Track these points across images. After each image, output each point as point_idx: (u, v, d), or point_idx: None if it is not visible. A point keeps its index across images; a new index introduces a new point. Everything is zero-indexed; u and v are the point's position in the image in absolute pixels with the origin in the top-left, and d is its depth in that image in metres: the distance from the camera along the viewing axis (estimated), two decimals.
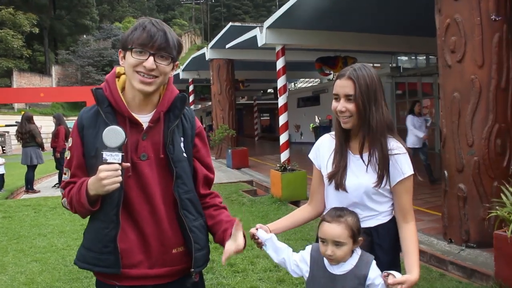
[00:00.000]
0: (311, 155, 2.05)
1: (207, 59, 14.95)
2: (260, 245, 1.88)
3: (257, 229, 1.88)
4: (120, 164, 1.50)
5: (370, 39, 10.43)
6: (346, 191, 1.85)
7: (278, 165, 8.75)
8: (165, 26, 1.60)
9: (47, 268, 4.80)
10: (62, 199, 1.69)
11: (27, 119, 10.03)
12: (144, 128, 1.63)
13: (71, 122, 31.50)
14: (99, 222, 1.63)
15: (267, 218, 6.65)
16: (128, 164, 1.56)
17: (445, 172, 4.90)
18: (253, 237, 1.87)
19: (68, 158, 1.69)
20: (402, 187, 1.87)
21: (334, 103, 1.85)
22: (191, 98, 20.02)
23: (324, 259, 1.79)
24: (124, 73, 1.69)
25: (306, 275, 1.84)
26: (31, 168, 10.12)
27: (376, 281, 1.73)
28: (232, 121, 15.03)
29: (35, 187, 10.56)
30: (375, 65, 19.58)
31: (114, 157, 1.49)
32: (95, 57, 43.99)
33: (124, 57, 1.61)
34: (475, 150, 4.57)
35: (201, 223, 1.76)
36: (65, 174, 1.70)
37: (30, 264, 4.95)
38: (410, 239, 1.84)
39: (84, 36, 47.66)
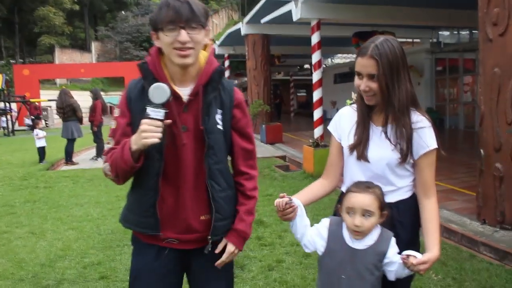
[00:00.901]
0: (330, 127, 2.01)
1: (242, 34, 14.87)
2: (291, 215, 1.77)
3: (282, 197, 1.76)
4: (162, 120, 1.55)
5: (409, 13, 10.06)
6: (368, 162, 1.83)
7: (311, 140, 8.70)
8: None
9: (82, 236, 5.00)
10: (104, 163, 1.71)
11: (66, 94, 10.34)
12: (185, 101, 1.68)
13: (110, 97, 32.32)
14: (140, 189, 1.74)
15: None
16: (170, 121, 1.60)
17: (481, 150, 4.73)
18: (284, 206, 1.73)
19: (113, 127, 1.74)
20: (425, 161, 1.82)
21: (357, 81, 1.81)
22: (227, 73, 20.05)
23: (344, 233, 1.76)
24: None
25: (321, 249, 1.80)
26: (71, 141, 10.48)
27: (394, 259, 1.71)
28: (267, 96, 14.97)
29: (74, 159, 10.94)
30: (415, 40, 18.93)
31: (157, 113, 1.54)
32: (133, 33, 44.61)
33: (157, 37, 1.64)
34: None
35: (228, 195, 1.80)
36: (108, 143, 1.74)
37: (67, 232, 5.17)
38: (431, 215, 1.80)
39: (123, 12, 48.28)
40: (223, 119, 1.75)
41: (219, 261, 1.78)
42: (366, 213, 1.70)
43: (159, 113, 1.54)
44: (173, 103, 1.64)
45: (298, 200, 1.81)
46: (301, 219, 1.81)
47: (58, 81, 38.45)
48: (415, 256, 1.65)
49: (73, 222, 5.56)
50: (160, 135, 1.54)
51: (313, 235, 1.83)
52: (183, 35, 1.57)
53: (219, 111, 1.74)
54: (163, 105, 1.55)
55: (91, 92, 11.13)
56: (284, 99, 29.10)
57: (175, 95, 1.65)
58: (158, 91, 1.54)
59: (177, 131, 1.67)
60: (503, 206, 4.52)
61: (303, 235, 1.83)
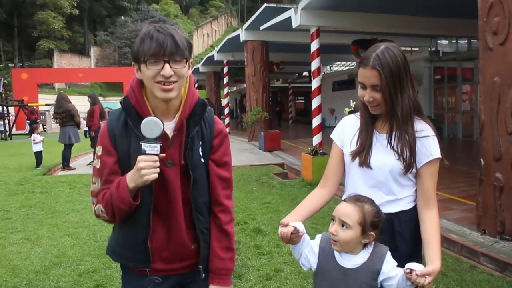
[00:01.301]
0: (333, 135, 1.99)
1: (241, 40, 14.89)
2: (295, 240, 1.75)
3: (286, 225, 1.74)
4: (157, 155, 1.52)
5: (408, 22, 10.09)
6: (371, 168, 1.80)
7: (309, 148, 8.68)
8: (171, 29, 1.57)
9: (78, 242, 4.94)
10: (95, 206, 1.65)
11: (64, 99, 10.29)
12: (170, 136, 1.66)
13: (108, 102, 32.31)
14: (131, 225, 1.69)
15: (296, 201, 6.60)
16: (164, 154, 1.57)
17: (481, 160, 4.71)
18: (290, 236, 1.72)
19: (98, 166, 1.66)
20: (428, 170, 1.79)
21: (361, 91, 1.80)
22: (226, 79, 20.08)
23: (335, 252, 1.71)
24: None
25: (314, 267, 1.76)
26: (68, 146, 10.42)
27: (391, 274, 1.64)
28: (265, 103, 14.96)
29: (71, 164, 10.88)
30: (414, 48, 19.00)
31: (152, 148, 1.51)
32: (132, 38, 44.63)
33: (139, 69, 1.59)
34: None
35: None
36: (94, 183, 1.67)
37: (62, 238, 5.10)
38: (432, 227, 1.76)
39: (122, 17, 48.42)
40: (204, 151, 1.73)
41: None
42: (343, 224, 1.64)
43: (155, 148, 1.51)
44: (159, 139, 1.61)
45: (301, 224, 1.76)
46: (304, 242, 1.78)
47: (56, 85, 38.44)
48: (415, 270, 1.59)
49: (69, 228, 5.50)
50: (158, 170, 1.53)
51: (307, 253, 1.77)
52: (167, 69, 1.53)
53: (200, 143, 1.72)
54: (157, 139, 1.52)
55: (89, 97, 11.04)
56: (284, 107, 29.08)
57: None
58: (151, 125, 1.51)
59: (163, 167, 1.64)
60: (503, 216, 4.49)
61: (300, 255, 1.79)
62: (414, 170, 1.79)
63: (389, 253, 1.68)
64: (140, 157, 1.51)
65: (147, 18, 47.67)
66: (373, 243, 1.70)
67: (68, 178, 9.16)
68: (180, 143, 1.66)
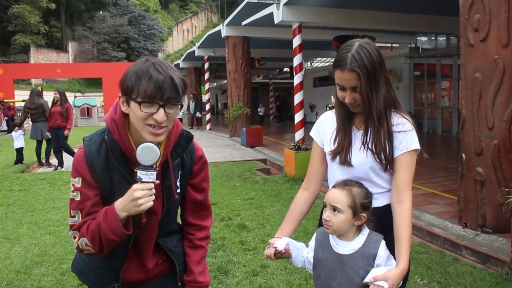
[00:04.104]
0: (312, 133, 1.98)
1: (223, 36, 14.81)
2: (286, 255, 1.78)
3: (269, 246, 1.77)
4: (153, 182, 1.47)
5: (389, 18, 10.19)
6: (352, 166, 1.80)
7: (292, 144, 8.69)
8: (170, 69, 1.47)
9: (60, 241, 4.85)
10: (78, 240, 1.54)
11: (37, 95, 10.03)
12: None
13: (87, 98, 31.72)
14: (107, 255, 1.60)
15: (279, 196, 6.62)
16: (158, 181, 1.51)
17: (463, 155, 4.78)
18: (273, 256, 1.75)
19: (78, 199, 1.54)
20: (399, 161, 1.76)
21: (341, 93, 1.77)
22: (206, 75, 19.96)
23: (330, 240, 1.73)
24: None
25: (311, 261, 1.79)
26: (40, 142, 10.18)
27: (386, 260, 1.67)
28: (247, 99, 14.94)
29: (51, 161, 10.66)
30: (394, 45, 19.20)
31: (149, 176, 1.45)
32: (111, 33, 44.06)
33: (127, 103, 1.48)
34: (495, 133, 4.43)
35: (179, 238, 1.81)
36: (73, 217, 1.55)
37: (43, 237, 5.00)
38: (402, 222, 1.71)
39: (101, 12, 47.60)
40: (182, 178, 1.70)
41: None
42: (335, 208, 1.67)
43: (152, 176, 1.45)
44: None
45: (286, 238, 1.81)
46: (297, 253, 1.81)
47: (33, 81, 37.61)
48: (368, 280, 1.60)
49: (50, 227, 5.39)
50: (154, 197, 1.47)
51: (307, 254, 1.81)
52: (161, 114, 1.44)
53: (179, 173, 1.69)
54: (152, 166, 1.45)
55: (59, 92, 9.90)
56: (287, 102, 27.05)
57: None
58: (148, 152, 1.44)
59: None
60: (484, 210, 4.57)
61: (303, 261, 1.82)
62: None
63: (383, 241, 1.70)
64: (136, 186, 1.44)
65: (126, 13, 46.99)
66: (368, 229, 1.73)
67: (48, 175, 8.99)
68: (160, 175, 1.59)
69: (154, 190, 1.46)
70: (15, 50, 41.79)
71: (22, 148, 10.34)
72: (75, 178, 1.55)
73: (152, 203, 1.47)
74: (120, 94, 1.50)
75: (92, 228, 1.50)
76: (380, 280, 1.56)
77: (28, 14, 39.66)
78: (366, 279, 1.60)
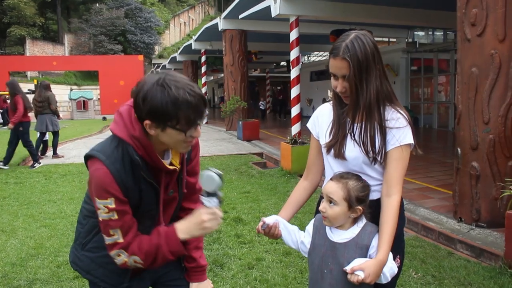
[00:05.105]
0: (309, 125, 1.98)
1: (220, 29, 14.76)
2: (276, 232, 1.82)
3: (263, 222, 1.81)
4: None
5: (386, 12, 10.18)
6: (346, 160, 1.81)
7: (288, 138, 8.69)
8: (196, 88, 1.48)
9: (55, 233, 4.85)
10: (128, 258, 1.57)
11: (45, 87, 10.04)
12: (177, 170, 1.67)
13: (83, 91, 31.56)
14: None
15: (275, 190, 6.63)
16: (221, 213, 1.62)
17: (458, 149, 4.80)
18: (266, 229, 1.80)
19: (115, 218, 1.54)
20: (392, 154, 1.75)
21: (334, 82, 1.78)
22: (203, 69, 19.90)
23: (326, 228, 1.76)
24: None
25: (308, 246, 1.82)
26: (42, 135, 10.19)
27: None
28: (244, 92, 14.92)
29: (47, 153, 10.66)
30: (391, 39, 19.17)
31: (211, 203, 1.56)
32: (108, 26, 43.78)
33: (159, 129, 1.48)
34: (491, 127, 4.45)
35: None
36: (112, 235, 1.55)
37: (39, 229, 5.00)
38: (386, 216, 1.70)
39: (97, 4, 47.21)
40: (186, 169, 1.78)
41: None
42: (331, 200, 1.70)
43: (213, 202, 1.56)
44: (166, 176, 1.64)
45: (278, 216, 1.86)
46: (287, 232, 1.85)
47: (29, 73, 37.43)
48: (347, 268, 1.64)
49: (45, 219, 5.38)
50: (221, 220, 1.59)
51: (303, 237, 1.85)
52: (199, 131, 1.54)
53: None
54: (214, 193, 1.56)
55: (6, 85, 9.00)
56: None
57: (169, 172, 1.64)
58: (208, 180, 1.55)
59: (166, 196, 1.69)
60: (479, 204, 4.59)
61: (296, 242, 1.85)
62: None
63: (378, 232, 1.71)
64: (203, 210, 1.56)
65: (122, 6, 46.71)
66: (364, 220, 1.74)
67: (44, 168, 8.96)
68: (177, 172, 1.69)
69: (219, 214, 1.58)
70: (11, 42, 41.56)
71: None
72: (107, 199, 1.52)
73: (217, 227, 1.60)
74: (150, 122, 1.47)
75: (147, 248, 1.58)
76: (357, 270, 1.60)
77: (23, 6, 39.36)
78: (345, 268, 1.64)
